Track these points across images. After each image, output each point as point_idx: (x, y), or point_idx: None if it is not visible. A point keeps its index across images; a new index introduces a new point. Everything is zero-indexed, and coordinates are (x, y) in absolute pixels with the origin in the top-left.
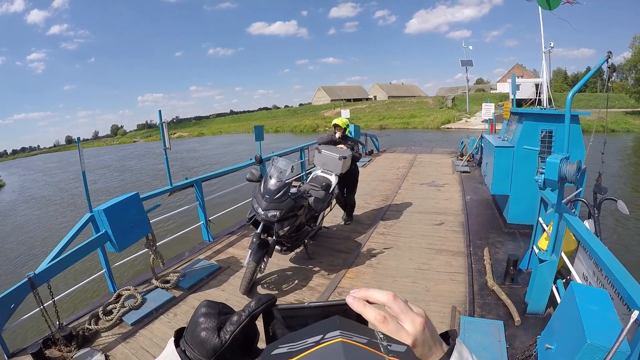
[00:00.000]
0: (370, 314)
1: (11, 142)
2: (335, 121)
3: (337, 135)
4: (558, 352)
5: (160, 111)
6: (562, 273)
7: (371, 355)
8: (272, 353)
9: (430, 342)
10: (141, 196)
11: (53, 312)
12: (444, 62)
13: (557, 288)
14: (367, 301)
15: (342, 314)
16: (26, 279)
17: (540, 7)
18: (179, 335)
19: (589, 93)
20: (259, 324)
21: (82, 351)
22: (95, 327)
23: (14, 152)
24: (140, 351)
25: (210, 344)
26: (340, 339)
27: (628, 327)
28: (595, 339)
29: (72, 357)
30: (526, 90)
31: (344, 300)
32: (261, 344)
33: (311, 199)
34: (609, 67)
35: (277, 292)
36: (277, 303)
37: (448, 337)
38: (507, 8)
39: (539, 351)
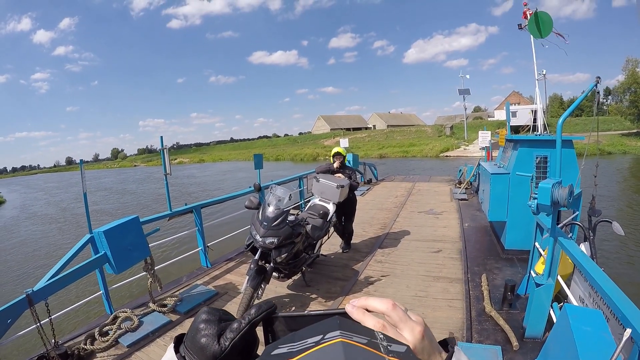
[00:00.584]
0: (369, 323)
1: (12, 159)
2: (336, 149)
3: (336, 164)
4: None
5: (162, 137)
6: (562, 297)
7: (371, 355)
8: (272, 353)
9: (429, 350)
10: (141, 220)
11: (49, 330)
12: (442, 90)
13: (554, 312)
14: (367, 310)
15: None
16: (24, 296)
17: (532, 36)
18: (178, 341)
19: (584, 117)
20: (259, 330)
21: None
22: (91, 347)
23: (14, 169)
24: None
25: (210, 351)
26: (340, 339)
27: (621, 345)
28: (588, 359)
29: None
30: (523, 117)
31: (344, 309)
32: (261, 351)
33: (309, 227)
34: (598, 92)
35: None
36: (277, 311)
37: (447, 345)
38: (503, 36)
39: None
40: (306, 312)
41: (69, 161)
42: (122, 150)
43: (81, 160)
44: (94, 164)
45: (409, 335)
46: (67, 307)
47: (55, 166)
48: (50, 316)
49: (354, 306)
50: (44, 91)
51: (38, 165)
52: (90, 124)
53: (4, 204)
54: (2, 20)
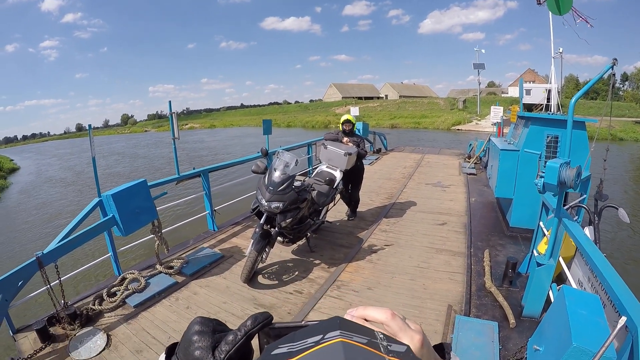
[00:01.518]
0: None
1: (22, 127)
2: (345, 117)
3: (346, 139)
4: (545, 354)
5: (170, 102)
6: (563, 278)
7: (371, 355)
8: (272, 353)
9: (428, 358)
10: (149, 184)
11: (59, 291)
12: (456, 63)
13: (553, 293)
14: (365, 320)
15: None
16: (34, 258)
17: (550, 12)
18: (170, 351)
19: (599, 101)
20: (255, 341)
21: (85, 330)
22: (99, 307)
23: (24, 137)
24: (141, 332)
25: None
26: (340, 339)
27: (615, 332)
28: (581, 343)
29: (75, 335)
30: (537, 96)
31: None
32: None
33: (314, 193)
34: (613, 74)
35: (277, 281)
36: (273, 321)
37: (443, 349)
38: (522, 12)
39: (528, 352)
40: (303, 322)
41: (79, 128)
42: (132, 116)
43: (89, 125)
44: (104, 129)
45: (409, 344)
46: (76, 269)
47: (65, 133)
48: (60, 278)
49: (353, 316)
50: (53, 59)
51: (48, 132)
52: (100, 91)
53: (18, 171)
54: None
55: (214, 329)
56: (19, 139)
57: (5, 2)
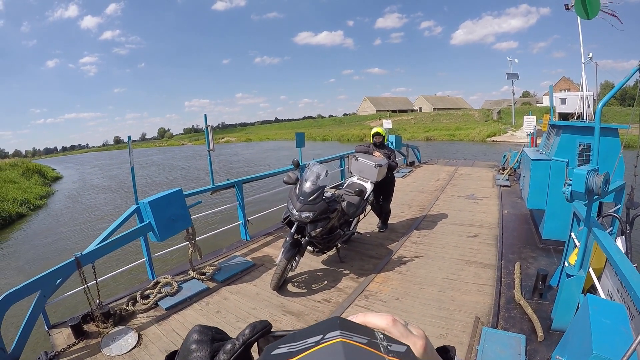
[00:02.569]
0: None
1: (61, 139)
2: (376, 129)
3: (376, 144)
4: None
5: (205, 115)
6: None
7: (371, 355)
8: (272, 353)
9: None
10: (184, 193)
11: (95, 291)
12: (490, 73)
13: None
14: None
15: None
16: (73, 259)
17: (578, 17)
18: None
19: (637, 107)
20: (254, 348)
21: (117, 328)
22: (132, 308)
23: (64, 149)
24: (171, 333)
25: None
26: (340, 339)
27: (637, 341)
28: (602, 352)
29: (107, 333)
30: (573, 104)
31: None
32: None
33: (344, 204)
34: None
35: (305, 290)
36: (272, 329)
37: (447, 352)
38: (554, 18)
39: None
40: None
41: (117, 140)
42: (169, 130)
43: (129, 136)
44: (142, 142)
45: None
46: (113, 272)
47: (104, 145)
48: (97, 278)
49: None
50: (92, 74)
51: (87, 144)
52: (137, 105)
53: (61, 179)
54: (50, 8)
55: (213, 338)
56: (58, 150)
57: (45, 20)
